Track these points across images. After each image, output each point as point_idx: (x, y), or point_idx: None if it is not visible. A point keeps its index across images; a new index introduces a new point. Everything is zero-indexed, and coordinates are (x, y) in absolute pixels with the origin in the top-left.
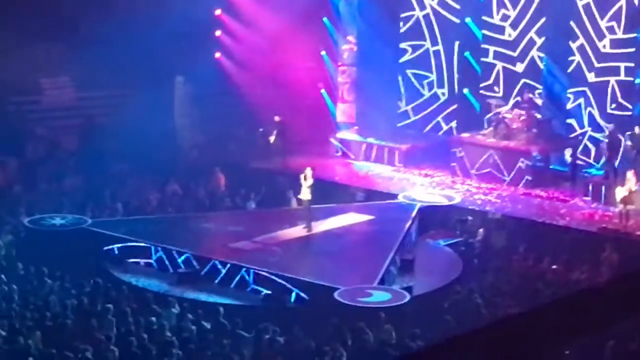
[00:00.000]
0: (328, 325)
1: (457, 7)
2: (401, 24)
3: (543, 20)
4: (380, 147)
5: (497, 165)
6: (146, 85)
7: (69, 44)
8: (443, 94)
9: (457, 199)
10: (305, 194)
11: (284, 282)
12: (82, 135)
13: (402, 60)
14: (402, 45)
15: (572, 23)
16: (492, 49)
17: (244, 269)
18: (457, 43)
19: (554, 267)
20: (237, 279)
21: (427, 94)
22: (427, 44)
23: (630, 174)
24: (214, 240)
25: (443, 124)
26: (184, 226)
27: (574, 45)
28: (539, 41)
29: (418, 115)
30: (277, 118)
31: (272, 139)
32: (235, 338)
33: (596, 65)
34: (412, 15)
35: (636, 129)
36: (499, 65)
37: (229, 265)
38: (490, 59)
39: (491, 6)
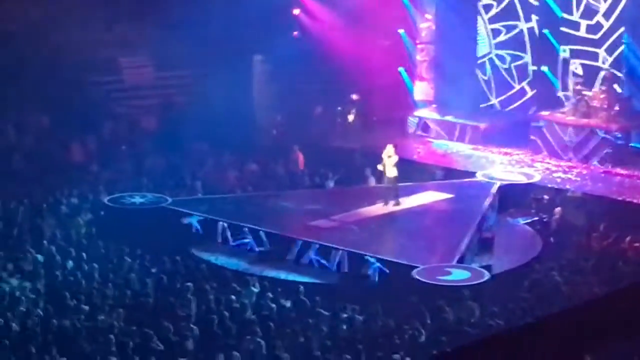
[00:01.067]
0: (407, 304)
1: None
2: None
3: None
4: (459, 125)
5: (577, 143)
6: (224, 64)
7: (147, 24)
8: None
9: (536, 177)
10: (392, 171)
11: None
12: (161, 114)
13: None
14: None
15: None
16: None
17: (321, 247)
18: (535, 19)
19: (635, 245)
20: (316, 257)
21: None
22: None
23: None
24: (293, 218)
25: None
26: (262, 205)
27: None
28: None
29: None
30: (354, 96)
31: (350, 117)
32: (315, 316)
33: None
34: None
35: None
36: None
37: (306, 244)
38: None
39: None
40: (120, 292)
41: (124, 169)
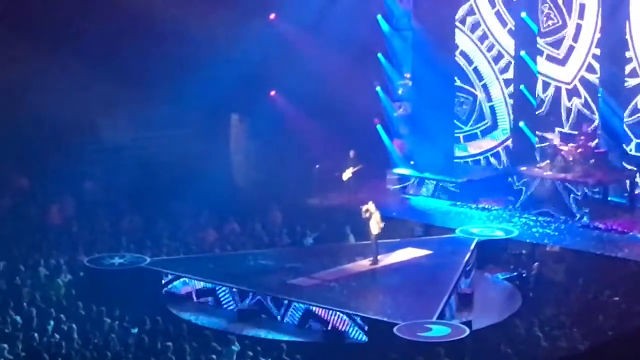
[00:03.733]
0: None
1: (512, 41)
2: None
3: (598, 51)
4: (437, 181)
5: (554, 197)
6: (202, 123)
7: (125, 84)
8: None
9: (515, 232)
10: (374, 228)
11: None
12: (139, 174)
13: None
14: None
15: (627, 53)
16: (548, 81)
17: (302, 305)
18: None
19: (615, 299)
20: (296, 315)
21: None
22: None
23: None
24: (273, 277)
25: (499, 158)
26: (242, 263)
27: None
28: (595, 73)
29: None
30: (352, 153)
31: (346, 175)
32: None
33: None
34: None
35: None
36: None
37: (287, 302)
38: (545, 91)
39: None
40: (99, 353)
41: (103, 229)
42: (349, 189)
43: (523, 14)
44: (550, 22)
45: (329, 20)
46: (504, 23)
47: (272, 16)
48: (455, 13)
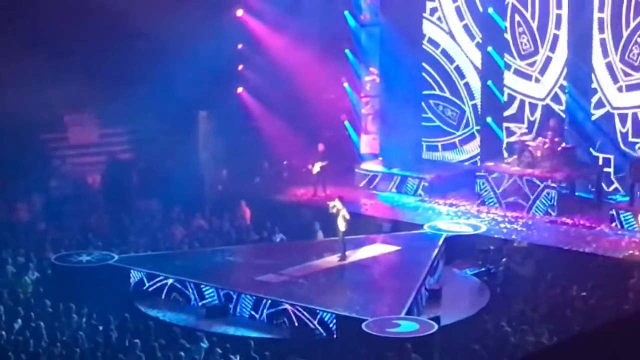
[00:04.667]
0: (356, 357)
1: (479, 36)
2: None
3: (565, 47)
4: (405, 177)
5: (522, 193)
6: (170, 120)
7: (93, 81)
8: (467, 123)
9: (482, 228)
10: (341, 225)
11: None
12: (107, 171)
13: (426, 92)
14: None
15: (593, 51)
16: (515, 77)
17: (270, 302)
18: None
19: (582, 294)
20: (265, 312)
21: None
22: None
23: None
24: (241, 273)
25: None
26: (209, 260)
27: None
28: (562, 68)
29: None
30: (321, 147)
31: (315, 168)
32: None
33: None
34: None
35: None
36: (522, 94)
37: (255, 299)
38: (513, 87)
39: (514, 34)
40: (67, 351)
41: (71, 226)
42: (318, 183)
43: (490, 10)
44: (525, 47)
45: (296, 16)
46: (461, 18)
47: (238, 12)
48: (422, 7)
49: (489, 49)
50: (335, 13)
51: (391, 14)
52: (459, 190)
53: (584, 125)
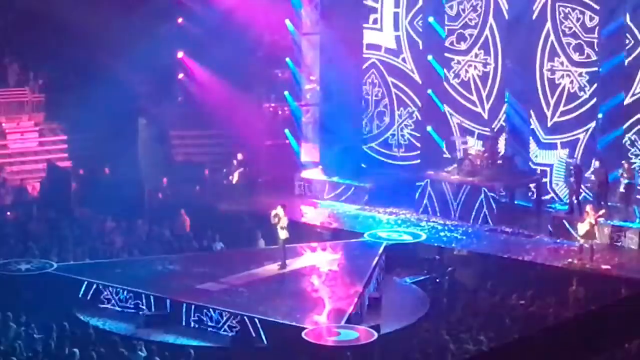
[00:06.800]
0: None
1: (419, 42)
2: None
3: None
4: (345, 185)
5: (461, 201)
6: (110, 127)
7: (33, 88)
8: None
9: (422, 236)
10: (282, 233)
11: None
12: (45, 179)
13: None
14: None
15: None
16: (454, 84)
17: (210, 310)
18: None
19: (521, 302)
20: (205, 320)
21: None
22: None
23: (589, 208)
24: (181, 282)
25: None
26: (149, 268)
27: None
28: (501, 77)
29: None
30: (239, 156)
31: (234, 177)
32: None
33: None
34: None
35: (596, 163)
36: (462, 102)
37: (195, 307)
38: (453, 94)
39: (453, 40)
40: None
41: (9, 234)
42: (239, 193)
43: (431, 19)
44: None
45: (237, 25)
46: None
47: (179, 20)
48: (363, 16)
49: (429, 57)
50: (277, 22)
51: (331, 23)
52: (399, 198)
53: (523, 134)
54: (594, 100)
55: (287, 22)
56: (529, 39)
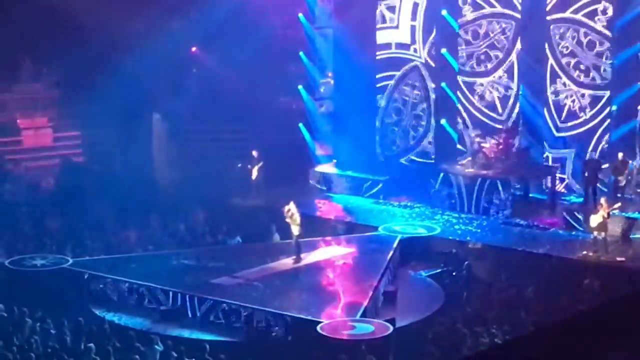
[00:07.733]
0: (311, 359)
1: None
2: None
3: (519, 48)
4: (359, 179)
5: (476, 194)
6: (124, 123)
7: (47, 85)
8: (421, 125)
9: (437, 229)
10: (295, 228)
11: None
12: (60, 175)
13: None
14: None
15: (547, 52)
16: (469, 79)
17: (225, 304)
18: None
19: (537, 295)
20: (220, 315)
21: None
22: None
23: (603, 200)
24: (196, 276)
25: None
26: (164, 263)
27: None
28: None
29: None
30: (254, 152)
31: (254, 173)
32: None
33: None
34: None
35: (619, 155)
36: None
37: (211, 301)
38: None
39: (467, 34)
40: (22, 355)
41: (24, 230)
42: (257, 188)
43: (444, 12)
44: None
45: (251, 19)
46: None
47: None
48: (376, 10)
49: (443, 50)
50: (290, 16)
51: (345, 18)
52: (413, 191)
53: (538, 126)
54: (608, 93)
55: (301, 16)
56: (541, 33)
